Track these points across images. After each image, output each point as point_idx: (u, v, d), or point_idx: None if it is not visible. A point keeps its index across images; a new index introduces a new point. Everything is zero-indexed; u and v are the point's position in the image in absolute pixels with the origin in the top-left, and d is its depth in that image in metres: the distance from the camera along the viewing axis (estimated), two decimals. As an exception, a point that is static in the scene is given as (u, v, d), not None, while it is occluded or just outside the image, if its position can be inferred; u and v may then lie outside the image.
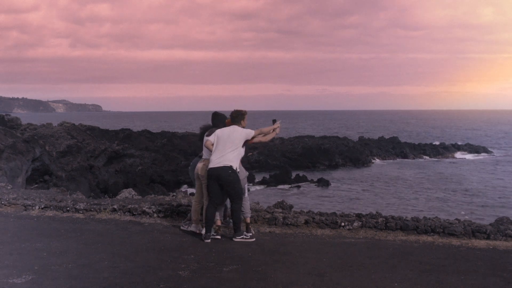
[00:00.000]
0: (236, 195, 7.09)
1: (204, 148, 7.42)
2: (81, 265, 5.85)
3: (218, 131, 7.20)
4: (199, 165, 7.47)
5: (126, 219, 8.41)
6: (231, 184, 7.03)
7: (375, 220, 7.63)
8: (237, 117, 7.31)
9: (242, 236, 7.08)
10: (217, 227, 7.26)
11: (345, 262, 5.97)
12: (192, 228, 7.50)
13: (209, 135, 7.33)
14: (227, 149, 7.07)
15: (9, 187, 11.70)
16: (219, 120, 7.51)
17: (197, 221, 7.47)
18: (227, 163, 7.02)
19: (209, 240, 6.96)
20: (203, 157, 7.48)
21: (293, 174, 36.84)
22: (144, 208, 8.57)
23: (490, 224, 7.60)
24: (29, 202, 9.17)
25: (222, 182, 7.03)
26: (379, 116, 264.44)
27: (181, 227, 7.73)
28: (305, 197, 30.45)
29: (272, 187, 33.67)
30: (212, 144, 7.16)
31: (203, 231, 7.12)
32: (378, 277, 5.45)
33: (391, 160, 51.58)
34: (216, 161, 7.05)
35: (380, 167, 46.00)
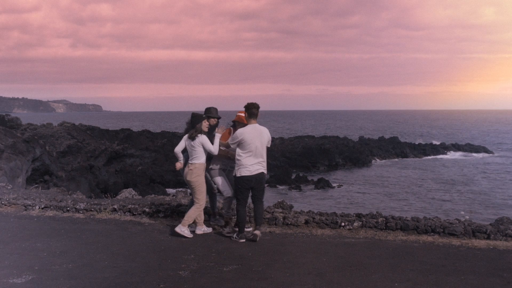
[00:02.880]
0: (263, 195, 7.14)
1: (195, 152, 7.13)
2: (81, 265, 5.85)
3: (244, 133, 6.82)
4: (186, 170, 7.26)
5: (126, 219, 8.41)
6: (263, 187, 7.09)
7: (375, 220, 7.62)
8: (257, 112, 6.95)
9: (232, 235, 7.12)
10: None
11: (345, 262, 5.97)
12: (197, 230, 7.44)
13: (191, 137, 7.13)
14: (263, 153, 6.95)
15: (9, 187, 11.70)
16: (199, 121, 7.25)
17: (201, 222, 7.44)
18: (265, 169, 7.02)
19: (244, 240, 6.91)
20: (193, 161, 7.20)
21: (293, 174, 36.83)
22: (144, 208, 8.57)
23: (490, 224, 7.60)
24: (29, 202, 9.17)
25: (258, 187, 6.98)
26: (380, 116, 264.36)
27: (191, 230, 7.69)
28: (305, 197, 30.45)
29: (272, 187, 33.67)
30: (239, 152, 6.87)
31: (234, 233, 7.07)
32: (378, 277, 5.44)
33: (391, 160, 51.59)
34: (256, 166, 6.87)
35: (380, 167, 46.00)
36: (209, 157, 7.30)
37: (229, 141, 6.94)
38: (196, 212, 7.22)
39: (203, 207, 7.29)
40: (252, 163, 6.84)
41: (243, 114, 7.17)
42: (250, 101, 6.95)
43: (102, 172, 31.06)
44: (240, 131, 6.85)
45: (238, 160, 6.85)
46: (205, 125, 7.18)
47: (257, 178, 6.91)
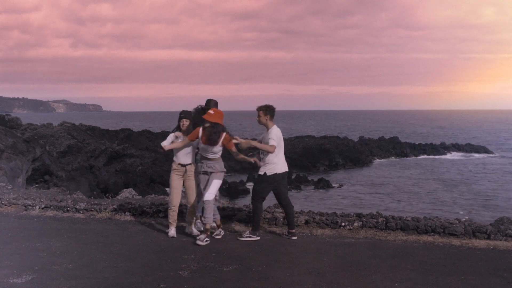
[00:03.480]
0: (287, 192, 7.35)
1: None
2: (81, 265, 5.85)
3: (278, 132, 7.05)
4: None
5: (126, 219, 8.41)
6: (287, 183, 7.31)
7: (375, 220, 7.62)
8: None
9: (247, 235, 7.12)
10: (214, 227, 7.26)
11: (345, 262, 5.97)
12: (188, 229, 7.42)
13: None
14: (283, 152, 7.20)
15: (9, 187, 11.70)
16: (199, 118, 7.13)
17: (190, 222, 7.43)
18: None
19: (259, 238, 7.04)
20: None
21: (293, 174, 36.82)
22: (144, 208, 8.57)
23: (491, 224, 7.60)
24: (30, 202, 9.17)
25: (283, 184, 7.16)
26: (380, 116, 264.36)
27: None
28: (305, 197, 30.46)
29: (272, 187, 33.63)
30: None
31: (247, 231, 7.13)
32: (378, 277, 5.44)
33: (391, 160, 51.59)
34: (284, 164, 7.14)
35: (380, 167, 45.99)
36: (195, 159, 7.27)
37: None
38: (168, 212, 7.29)
39: (172, 207, 7.18)
40: (282, 161, 7.12)
41: (212, 112, 6.86)
42: (250, 102, 7.00)
43: (102, 172, 31.07)
44: (279, 131, 7.05)
45: (269, 159, 6.99)
46: (185, 124, 7.15)
47: (284, 175, 7.18)
